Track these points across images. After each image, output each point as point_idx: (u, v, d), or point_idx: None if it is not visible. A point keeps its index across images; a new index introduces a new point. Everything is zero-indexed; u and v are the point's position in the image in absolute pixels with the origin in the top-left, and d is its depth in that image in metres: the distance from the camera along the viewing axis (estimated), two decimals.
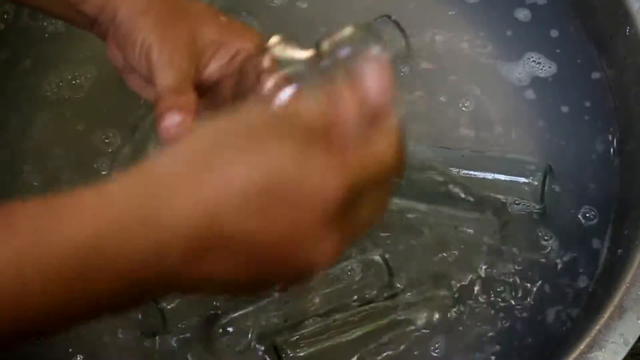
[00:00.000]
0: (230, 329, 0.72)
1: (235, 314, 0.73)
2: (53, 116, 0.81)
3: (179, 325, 0.73)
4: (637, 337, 0.66)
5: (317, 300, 0.73)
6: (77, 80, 0.81)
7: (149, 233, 0.42)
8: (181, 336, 0.73)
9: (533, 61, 0.82)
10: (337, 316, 0.72)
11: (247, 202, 0.42)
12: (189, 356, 0.73)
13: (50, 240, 0.41)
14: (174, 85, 0.57)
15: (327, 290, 0.73)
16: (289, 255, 0.44)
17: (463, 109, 0.80)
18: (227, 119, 0.44)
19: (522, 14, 0.84)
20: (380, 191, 0.46)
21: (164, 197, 0.42)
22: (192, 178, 0.42)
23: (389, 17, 0.80)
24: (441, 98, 0.81)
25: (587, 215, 0.77)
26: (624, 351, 0.65)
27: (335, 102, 0.44)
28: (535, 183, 0.75)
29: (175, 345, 0.73)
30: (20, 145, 0.80)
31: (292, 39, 0.51)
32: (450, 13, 0.84)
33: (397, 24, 0.79)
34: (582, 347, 0.66)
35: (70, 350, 0.74)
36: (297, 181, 0.42)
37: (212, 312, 0.73)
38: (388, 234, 0.76)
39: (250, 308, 0.73)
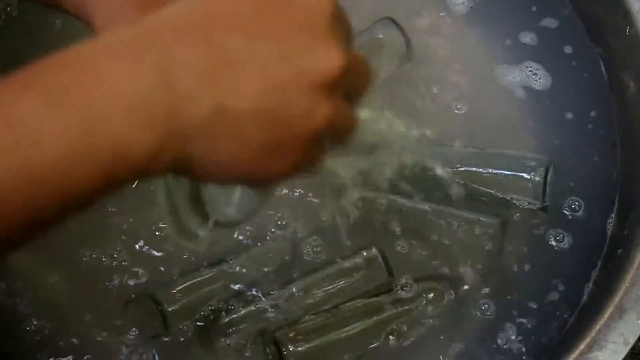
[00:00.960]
0: (230, 329, 0.73)
1: (236, 315, 0.73)
2: None
3: (180, 326, 0.73)
4: (637, 337, 0.66)
5: (316, 297, 0.73)
6: None
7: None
8: (182, 337, 0.73)
9: (534, 61, 0.82)
10: (337, 312, 0.73)
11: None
12: (190, 356, 0.74)
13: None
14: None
15: (327, 286, 0.74)
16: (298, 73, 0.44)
17: (463, 108, 0.80)
18: None
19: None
20: None
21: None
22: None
23: (391, 19, 0.80)
24: (441, 98, 0.81)
25: (587, 214, 0.77)
26: (624, 351, 0.65)
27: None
28: (537, 179, 0.75)
29: (176, 345, 0.73)
30: None
31: None
32: (451, 15, 0.84)
33: (398, 25, 0.80)
34: (582, 347, 0.66)
35: (70, 350, 0.74)
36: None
37: (213, 312, 0.73)
38: (388, 232, 0.76)
39: (251, 307, 0.73)
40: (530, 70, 0.81)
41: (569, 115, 0.80)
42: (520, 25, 0.82)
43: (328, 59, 0.44)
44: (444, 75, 0.82)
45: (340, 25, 0.46)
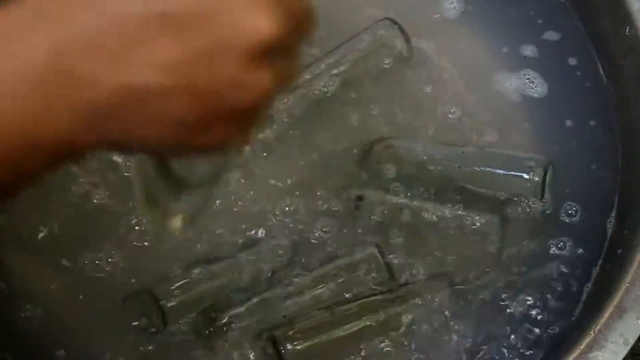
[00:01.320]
0: (229, 326, 0.73)
1: (235, 311, 0.73)
2: None
3: (179, 323, 0.73)
4: (637, 337, 0.66)
5: (315, 295, 0.73)
6: None
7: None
8: (180, 334, 0.73)
9: (534, 62, 0.82)
10: (336, 310, 0.73)
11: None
12: (188, 354, 0.73)
13: None
14: None
15: (326, 285, 0.74)
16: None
17: (457, 112, 0.80)
18: None
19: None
20: None
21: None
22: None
23: (391, 19, 0.80)
24: (440, 99, 0.81)
25: (587, 214, 0.77)
26: (624, 351, 0.65)
27: None
28: (536, 179, 0.75)
29: (174, 343, 0.73)
30: None
31: None
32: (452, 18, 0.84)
33: (398, 26, 0.80)
34: (582, 347, 0.66)
35: (68, 349, 0.74)
36: None
37: (211, 309, 0.73)
38: (388, 232, 0.76)
39: (249, 305, 0.73)
40: (527, 78, 0.81)
41: (568, 120, 0.80)
42: (520, 31, 0.83)
43: (255, 24, 0.40)
44: (443, 76, 0.82)
45: None
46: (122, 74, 0.39)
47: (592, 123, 0.80)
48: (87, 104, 0.39)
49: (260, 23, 0.39)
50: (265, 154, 0.78)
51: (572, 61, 0.82)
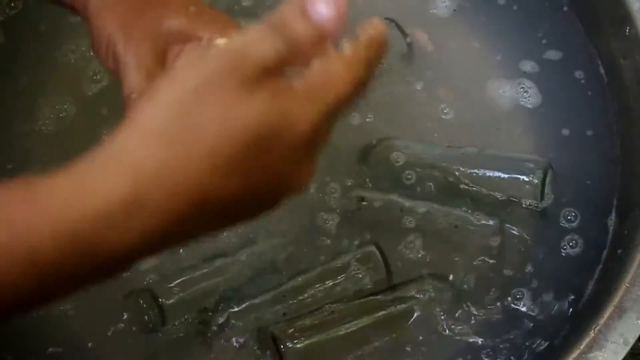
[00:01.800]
0: (229, 325, 0.73)
1: (234, 310, 0.73)
2: None
3: (178, 321, 0.73)
4: (637, 337, 0.66)
5: (315, 294, 0.73)
6: None
7: (132, 220, 0.41)
8: (180, 332, 0.73)
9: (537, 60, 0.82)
10: (336, 309, 0.73)
11: (227, 163, 0.42)
12: (187, 353, 0.73)
13: (27, 229, 0.40)
14: (138, 87, 0.55)
15: (326, 283, 0.74)
16: (273, 195, 0.46)
17: (452, 113, 0.80)
18: (179, 79, 0.43)
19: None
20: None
21: (145, 185, 0.41)
22: (170, 156, 0.41)
23: (391, 19, 0.80)
24: (439, 100, 0.81)
25: (587, 214, 0.77)
26: (624, 351, 0.65)
27: (282, 31, 0.44)
28: (536, 181, 0.75)
29: (173, 341, 0.73)
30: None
31: None
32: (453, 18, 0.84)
33: (399, 26, 0.80)
34: (582, 347, 0.66)
35: (68, 346, 0.74)
36: (267, 127, 0.42)
37: (210, 307, 0.73)
38: (388, 232, 0.76)
39: (249, 303, 0.73)
40: (522, 87, 0.81)
41: (568, 115, 0.80)
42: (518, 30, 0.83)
43: (302, 181, 0.46)
44: (442, 76, 0.82)
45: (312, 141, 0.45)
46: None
47: (592, 123, 0.80)
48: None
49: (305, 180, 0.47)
50: None
51: (576, 60, 0.82)
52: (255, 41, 0.44)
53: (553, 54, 0.82)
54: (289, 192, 0.46)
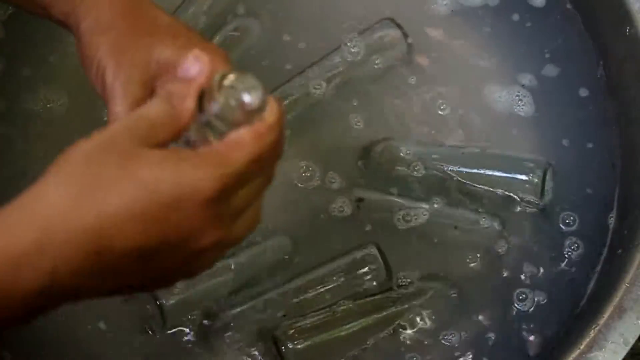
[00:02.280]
0: (229, 326, 0.73)
1: (235, 311, 0.73)
2: None
3: (178, 322, 0.73)
4: (637, 337, 0.66)
5: (316, 295, 0.73)
6: None
7: (43, 259, 0.44)
8: (181, 335, 0.73)
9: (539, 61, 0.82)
10: (336, 310, 0.73)
11: (133, 219, 0.44)
12: (188, 354, 0.73)
13: None
14: (122, 115, 0.56)
15: (326, 284, 0.74)
16: (178, 256, 0.47)
17: (461, 111, 0.81)
18: (90, 140, 0.46)
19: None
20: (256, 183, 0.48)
21: (55, 224, 0.44)
22: (80, 202, 0.44)
23: (392, 19, 0.80)
24: (439, 100, 0.81)
25: (587, 214, 0.77)
26: (624, 351, 0.65)
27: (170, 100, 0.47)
28: (536, 180, 0.75)
29: (174, 342, 0.73)
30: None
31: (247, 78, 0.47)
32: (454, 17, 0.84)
33: (399, 26, 0.80)
34: (582, 347, 0.66)
35: (68, 348, 0.74)
36: (173, 189, 0.45)
37: (211, 309, 0.73)
38: (388, 232, 0.76)
39: (249, 305, 0.73)
40: (517, 95, 0.81)
41: (568, 116, 0.80)
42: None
43: (204, 237, 0.47)
44: (441, 76, 0.82)
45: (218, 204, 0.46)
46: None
47: (592, 123, 0.80)
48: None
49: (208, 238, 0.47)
50: None
51: (577, 60, 0.82)
52: (150, 110, 0.47)
53: (552, 67, 0.82)
54: (190, 261, 0.48)
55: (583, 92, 0.81)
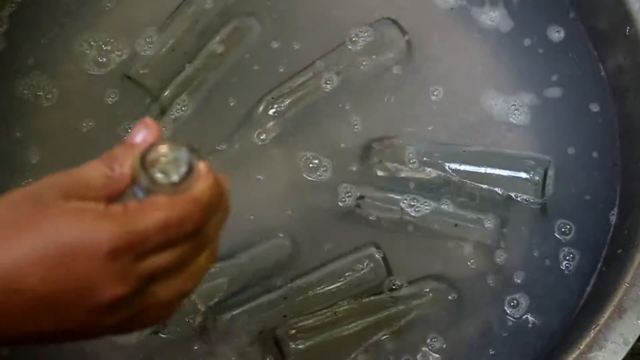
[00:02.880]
0: (229, 327, 0.73)
1: (235, 312, 0.73)
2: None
3: (178, 322, 0.73)
4: (637, 337, 0.66)
5: (317, 295, 0.73)
6: None
7: None
8: (182, 335, 0.73)
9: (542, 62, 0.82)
10: (337, 310, 0.73)
11: (34, 264, 0.46)
12: (188, 354, 0.73)
13: None
14: None
15: (327, 284, 0.74)
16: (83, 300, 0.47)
17: (461, 110, 0.81)
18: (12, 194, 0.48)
19: None
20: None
21: None
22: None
23: (391, 19, 0.80)
24: (438, 99, 0.81)
25: (587, 214, 0.77)
26: (624, 351, 0.65)
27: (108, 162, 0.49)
28: (537, 178, 0.75)
29: (174, 342, 0.73)
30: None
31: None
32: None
33: (399, 25, 0.80)
34: (582, 347, 0.66)
35: (67, 348, 0.74)
36: (71, 238, 0.46)
37: (212, 309, 0.73)
38: (388, 231, 0.76)
39: (250, 305, 0.73)
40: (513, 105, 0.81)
41: (568, 116, 0.80)
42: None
43: (107, 291, 0.47)
44: (440, 75, 0.82)
45: (121, 258, 0.47)
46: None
47: (592, 124, 0.80)
48: None
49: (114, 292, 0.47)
50: (264, 155, 0.78)
51: (577, 61, 0.82)
52: (88, 171, 0.49)
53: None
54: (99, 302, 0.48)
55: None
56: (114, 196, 0.48)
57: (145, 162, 0.47)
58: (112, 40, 0.81)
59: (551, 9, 0.83)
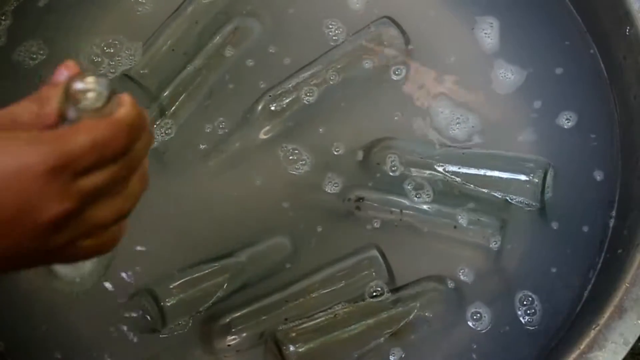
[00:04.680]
0: (231, 329, 0.73)
1: (237, 313, 0.73)
2: None
3: (179, 323, 0.73)
4: (637, 337, 0.66)
5: (317, 297, 0.73)
6: None
7: None
8: (182, 336, 0.73)
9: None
10: (338, 312, 0.73)
11: None
12: (188, 355, 0.73)
13: None
14: None
15: (328, 286, 0.74)
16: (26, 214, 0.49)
17: (460, 111, 0.81)
18: None
19: None
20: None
21: None
22: None
23: (390, 18, 0.80)
24: (438, 99, 0.81)
25: (587, 214, 0.77)
26: (624, 351, 0.65)
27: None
28: (536, 180, 0.75)
29: (174, 343, 0.73)
30: None
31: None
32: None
33: (397, 24, 0.80)
34: (582, 347, 0.66)
35: (69, 347, 0.74)
36: (6, 161, 0.48)
37: (212, 312, 0.73)
38: (388, 232, 0.76)
39: (250, 307, 0.73)
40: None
41: (569, 116, 0.80)
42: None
43: (49, 209, 0.49)
44: (439, 75, 0.82)
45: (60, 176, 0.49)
46: None
47: (592, 124, 0.80)
48: None
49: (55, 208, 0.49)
50: (264, 154, 0.78)
51: (578, 62, 0.82)
52: (17, 108, 0.51)
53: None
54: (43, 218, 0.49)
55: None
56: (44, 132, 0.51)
57: (69, 93, 0.50)
58: (112, 40, 0.81)
59: (551, 8, 0.83)
